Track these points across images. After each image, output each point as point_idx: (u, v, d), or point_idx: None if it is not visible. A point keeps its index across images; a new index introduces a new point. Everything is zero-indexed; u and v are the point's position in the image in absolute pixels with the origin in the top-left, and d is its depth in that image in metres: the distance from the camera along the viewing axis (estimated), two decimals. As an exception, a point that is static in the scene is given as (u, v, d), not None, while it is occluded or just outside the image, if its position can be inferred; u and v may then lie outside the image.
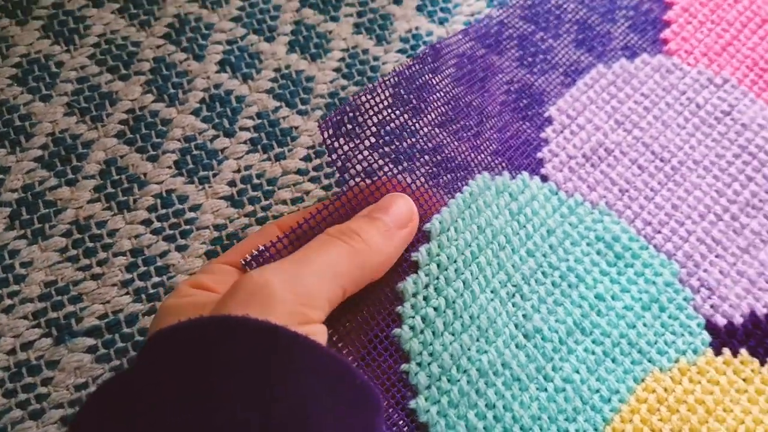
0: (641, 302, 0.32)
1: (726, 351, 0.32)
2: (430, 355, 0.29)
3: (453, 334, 0.29)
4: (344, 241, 0.26)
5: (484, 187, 0.33)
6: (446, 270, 0.30)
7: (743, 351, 0.32)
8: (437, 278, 0.30)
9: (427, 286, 0.30)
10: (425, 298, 0.30)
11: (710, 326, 0.32)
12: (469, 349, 0.29)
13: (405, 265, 0.30)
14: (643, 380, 0.31)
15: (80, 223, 0.34)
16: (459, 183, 0.34)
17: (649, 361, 0.31)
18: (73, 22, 0.40)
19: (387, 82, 0.34)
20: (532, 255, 0.33)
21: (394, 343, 0.29)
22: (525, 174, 0.35)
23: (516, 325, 0.31)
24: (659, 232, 0.34)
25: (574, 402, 0.30)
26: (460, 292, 0.30)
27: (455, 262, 0.30)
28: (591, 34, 0.41)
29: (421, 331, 0.29)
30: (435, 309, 0.29)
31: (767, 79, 0.40)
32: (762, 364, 0.32)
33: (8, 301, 0.32)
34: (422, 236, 0.31)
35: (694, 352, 0.32)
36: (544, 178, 0.35)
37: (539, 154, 0.36)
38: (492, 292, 0.31)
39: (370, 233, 0.27)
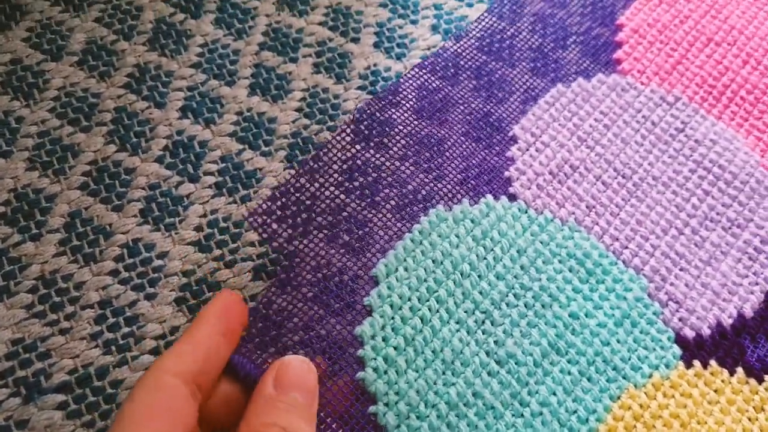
0: (614, 318, 0.33)
1: (696, 363, 0.32)
2: (396, 394, 0.29)
3: (417, 371, 0.30)
4: None
5: (437, 221, 0.34)
6: (400, 309, 0.31)
7: (713, 362, 0.32)
8: (392, 318, 0.31)
9: (383, 327, 0.30)
10: (384, 339, 0.30)
11: (680, 339, 0.33)
12: (435, 384, 0.30)
13: (359, 309, 0.31)
14: (618, 398, 0.31)
15: (46, 278, 0.34)
16: (421, 214, 0.34)
17: (624, 378, 0.31)
18: (32, 76, 0.40)
19: (349, 120, 0.35)
20: (502, 278, 0.33)
21: (360, 386, 0.29)
22: (489, 197, 0.35)
23: (487, 353, 0.31)
24: (626, 247, 0.35)
25: (551, 425, 0.30)
26: (418, 329, 0.31)
27: (409, 300, 0.31)
28: (545, 60, 0.42)
29: (385, 372, 0.29)
30: (395, 348, 0.30)
31: (716, 95, 0.41)
32: (731, 374, 0.32)
33: (-26, 363, 0.31)
34: (371, 281, 0.32)
35: (667, 366, 0.32)
36: (513, 197, 0.36)
37: (506, 173, 0.37)
38: (457, 322, 0.31)
39: (303, 428, 0.25)
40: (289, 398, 0.26)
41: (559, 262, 0.34)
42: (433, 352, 0.30)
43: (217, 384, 0.27)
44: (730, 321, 0.33)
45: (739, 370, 0.32)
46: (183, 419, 0.24)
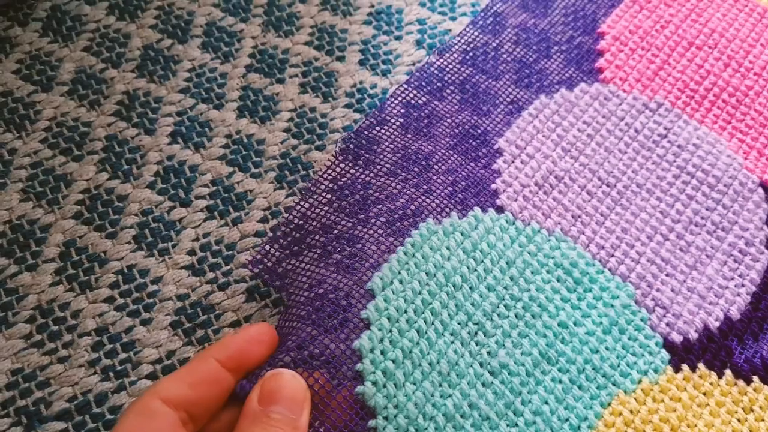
0: (602, 326, 0.33)
1: (685, 367, 0.33)
2: (395, 407, 0.29)
3: (414, 384, 0.30)
4: None
5: (428, 234, 0.34)
6: (398, 322, 0.31)
7: (701, 365, 0.33)
8: (390, 331, 0.31)
9: (382, 340, 0.31)
10: (382, 352, 0.30)
11: (668, 344, 0.33)
12: (432, 396, 0.30)
13: (354, 324, 0.31)
14: (609, 404, 0.31)
15: (43, 308, 0.34)
16: (411, 229, 0.35)
17: (614, 385, 0.32)
18: (23, 108, 0.40)
19: (338, 142, 0.36)
20: (493, 289, 0.33)
21: (359, 401, 0.29)
22: (477, 210, 0.36)
23: (481, 364, 0.31)
24: (612, 255, 0.36)
25: None
26: (415, 341, 0.31)
27: (405, 312, 0.31)
28: (529, 71, 0.43)
29: (384, 385, 0.30)
30: (393, 361, 0.30)
31: (698, 100, 0.41)
32: (719, 376, 0.33)
33: (-25, 394, 0.32)
34: (368, 294, 0.32)
35: (655, 371, 0.32)
36: (500, 209, 0.36)
37: (493, 186, 0.37)
38: (451, 334, 0.32)
39: None
40: (274, 413, 0.26)
41: (547, 272, 0.35)
42: (429, 364, 0.31)
43: (220, 411, 0.28)
44: (717, 324, 0.34)
45: (728, 372, 0.33)
46: None
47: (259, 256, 0.34)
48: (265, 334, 0.30)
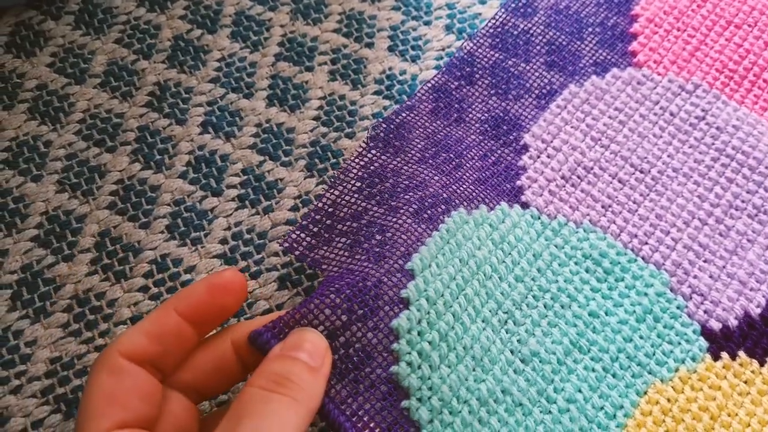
0: (635, 315, 0.33)
1: (724, 355, 0.32)
2: (429, 389, 0.29)
3: (449, 366, 0.30)
4: (284, 394, 0.25)
5: (461, 222, 0.34)
6: (435, 304, 0.31)
7: (741, 353, 0.32)
8: (428, 312, 0.31)
9: (420, 321, 0.30)
10: (419, 333, 0.30)
11: (706, 332, 0.33)
12: (466, 380, 0.30)
13: (396, 302, 0.31)
14: (645, 393, 0.31)
15: (80, 297, 0.35)
16: (443, 216, 0.34)
17: (650, 373, 0.31)
18: (58, 100, 0.41)
19: (369, 129, 0.36)
20: (521, 280, 0.33)
21: (393, 380, 0.29)
22: (504, 204, 0.35)
23: (512, 351, 0.31)
24: (646, 243, 0.35)
25: (579, 421, 0.30)
26: (451, 325, 0.31)
27: (443, 295, 0.31)
28: (561, 54, 0.42)
29: (419, 366, 0.29)
30: (430, 343, 0.30)
31: (737, 80, 0.40)
32: (761, 364, 0.32)
33: (16, 382, 0.33)
34: (407, 274, 0.31)
35: (693, 359, 0.32)
36: (525, 205, 0.36)
37: (518, 182, 0.37)
38: (483, 321, 0.31)
39: (303, 377, 0.26)
40: (295, 355, 0.26)
41: (575, 263, 0.34)
42: (464, 348, 0.30)
43: (196, 359, 0.28)
44: (759, 310, 0.33)
45: (769, 360, 0.32)
46: (145, 402, 0.25)
47: (289, 243, 0.34)
48: (233, 282, 0.28)
